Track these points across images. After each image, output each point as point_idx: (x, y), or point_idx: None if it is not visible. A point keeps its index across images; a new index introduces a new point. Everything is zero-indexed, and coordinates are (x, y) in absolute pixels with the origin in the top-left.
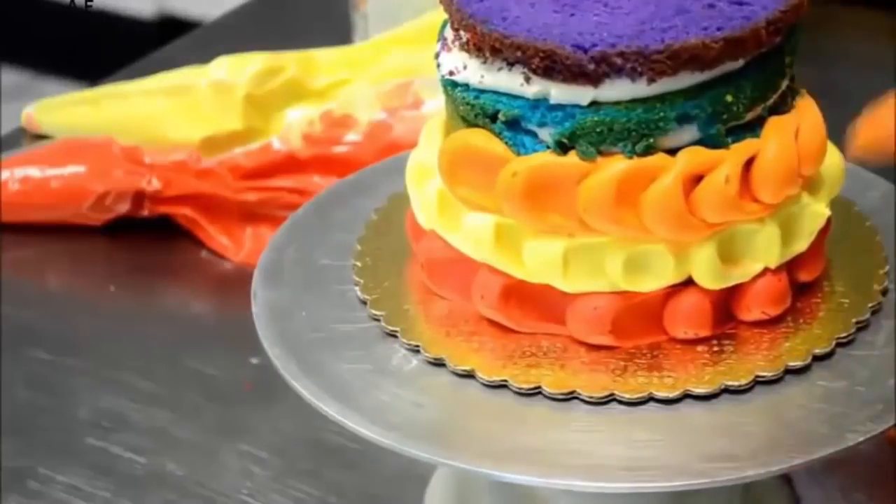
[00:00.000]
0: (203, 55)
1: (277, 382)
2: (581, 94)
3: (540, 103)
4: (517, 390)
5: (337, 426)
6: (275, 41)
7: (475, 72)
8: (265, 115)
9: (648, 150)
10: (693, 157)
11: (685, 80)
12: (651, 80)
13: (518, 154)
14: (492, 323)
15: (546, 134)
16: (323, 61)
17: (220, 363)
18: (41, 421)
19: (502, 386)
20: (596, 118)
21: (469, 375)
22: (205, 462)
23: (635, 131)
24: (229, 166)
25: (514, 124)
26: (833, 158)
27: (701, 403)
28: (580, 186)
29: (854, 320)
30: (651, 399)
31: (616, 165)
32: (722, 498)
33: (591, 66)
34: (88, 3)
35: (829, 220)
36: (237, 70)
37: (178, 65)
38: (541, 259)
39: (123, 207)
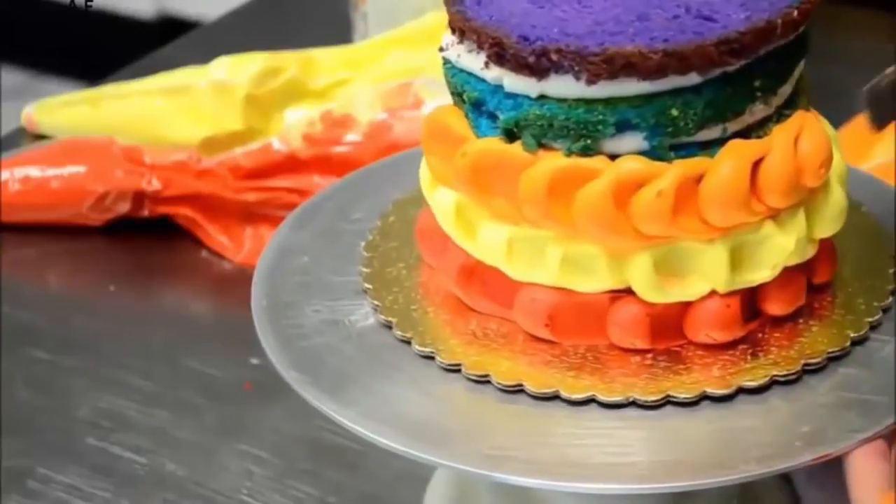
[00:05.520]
0: (203, 55)
1: (277, 382)
2: (528, 86)
3: (497, 89)
4: (457, 370)
5: (336, 426)
6: (275, 41)
7: (454, 50)
8: (265, 115)
9: (587, 151)
10: (628, 166)
11: (629, 87)
12: (591, 82)
13: (477, 136)
14: (457, 299)
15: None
16: (323, 61)
17: (220, 363)
18: (41, 421)
19: (518, 390)
20: (539, 111)
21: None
22: (204, 462)
23: (574, 130)
24: (229, 166)
25: (476, 106)
26: (834, 197)
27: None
28: (520, 176)
29: (802, 360)
30: (593, 401)
31: (552, 161)
32: (721, 498)
33: (532, 59)
34: (88, 3)
35: (826, 256)
36: (237, 70)
37: (178, 65)
38: (490, 242)
39: (123, 207)
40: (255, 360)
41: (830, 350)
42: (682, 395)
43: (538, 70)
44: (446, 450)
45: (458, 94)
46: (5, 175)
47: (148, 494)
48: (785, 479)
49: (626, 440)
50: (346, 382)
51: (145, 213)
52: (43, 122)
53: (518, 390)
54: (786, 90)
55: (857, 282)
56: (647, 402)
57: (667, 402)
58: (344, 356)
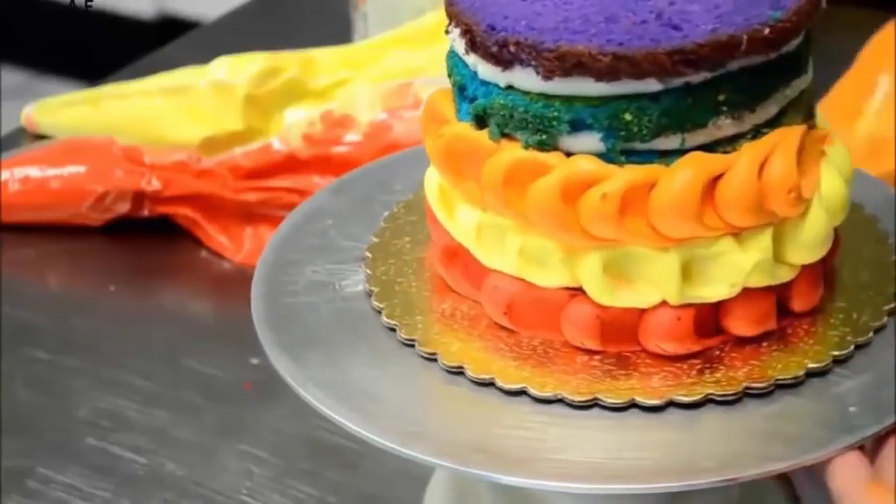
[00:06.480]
0: (203, 55)
1: (277, 382)
2: (496, 75)
3: (475, 76)
4: (419, 353)
5: (336, 426)
6: (275, 41)
7: (452, 33)
8: (265, 115)
9: (543, 146)
10: (579, 165)
11: (586, 87)
12: (546, 77)
13: (458, 120)
14: (440, 278)
15: None
16: (323, 61)
17: (220, 363)
18: (41, 421)
19: (460, 373)
20: (504, 101)
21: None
22: (204, 462)
23: (532, 124)
24: (229, 166)
25: (461, 90)
26: (813, 223)
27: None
28: (483, 164)
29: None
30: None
31: (510, 152)
32: (719, 497)
33: (495, 49)
34: (88, 3)
35: (810, 283)
36: (237, 70)
37: (178, 65)
38: (463, 225)
39: (123, 207)
40: (255, 360)
41: (780, 378)
42: (610, 399)
43: (502, 60)
44: (368, 420)
45: (450, 77)
46: (5, 175)
47: (148, 494)
48: (785, 478)
49: (546, 435)
50: (308, 341)
51: (145, 213)
52: (43, 122)
53: (460, 373)
54: (769, 109)
55: (843, 314)
56: (573, 401)
57: (595, 404)
58: (318, 317)
